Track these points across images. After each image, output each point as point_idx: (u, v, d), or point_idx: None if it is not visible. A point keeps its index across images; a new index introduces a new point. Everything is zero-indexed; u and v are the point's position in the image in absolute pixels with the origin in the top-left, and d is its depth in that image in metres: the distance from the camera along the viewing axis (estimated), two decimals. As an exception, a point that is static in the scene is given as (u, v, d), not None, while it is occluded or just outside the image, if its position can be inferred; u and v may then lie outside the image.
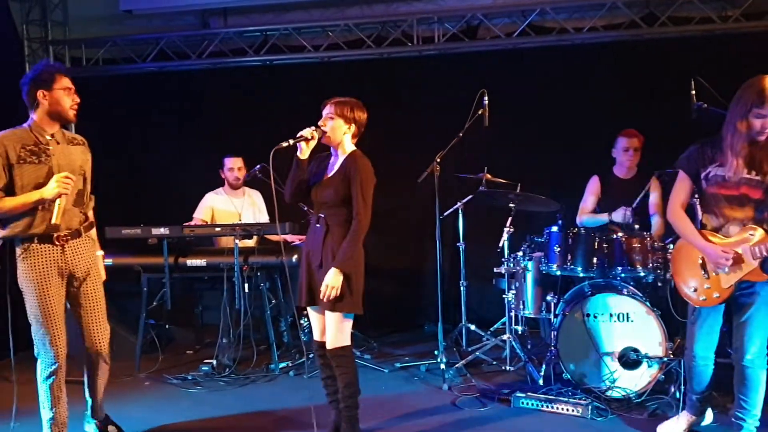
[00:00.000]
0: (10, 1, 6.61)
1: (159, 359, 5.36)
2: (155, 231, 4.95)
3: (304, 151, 3.48)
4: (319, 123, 3.51)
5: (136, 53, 6.90)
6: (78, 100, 3.47)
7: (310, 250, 3.56)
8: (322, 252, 3.48)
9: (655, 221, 4.78)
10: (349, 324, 3.51)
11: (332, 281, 3.36)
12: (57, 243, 3.40)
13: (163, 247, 5.03)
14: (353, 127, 3.55)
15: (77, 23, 7.05)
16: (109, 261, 5.16)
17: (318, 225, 3.53)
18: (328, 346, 3.51)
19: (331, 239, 3.47)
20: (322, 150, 3.62)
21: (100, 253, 3.78)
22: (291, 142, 3.42)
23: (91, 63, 6.96)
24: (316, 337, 3.66)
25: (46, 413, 3.49)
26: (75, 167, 3.46)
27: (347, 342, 3.51)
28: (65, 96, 3.40)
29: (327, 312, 3.48)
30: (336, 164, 3.56)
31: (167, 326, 5.85)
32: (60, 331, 3.43)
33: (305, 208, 5.48)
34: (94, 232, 3.69)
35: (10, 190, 3.31)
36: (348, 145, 3.57)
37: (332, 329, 3.48)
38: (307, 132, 3.44)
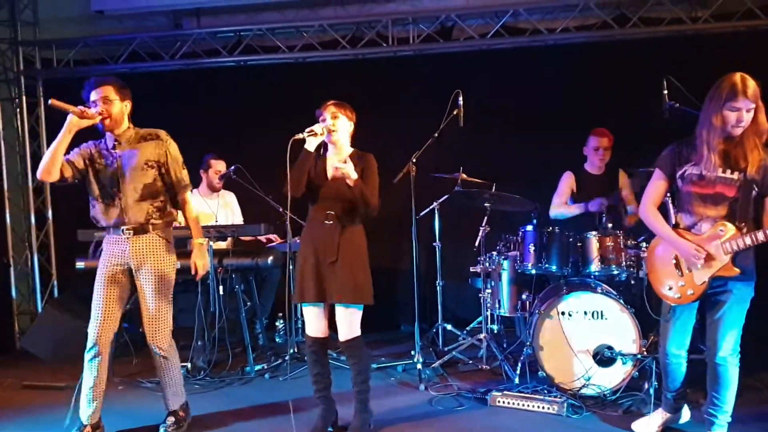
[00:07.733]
0: (-23, 2, 6.52)
1: (133, 363, 5.31)
2: (128, 233, 4.86)
3: (311, 143, 3.55)
4: (327, 123, 3.60)
5: (108, 54, 6.82)
6: (99, 110, 3.64)
7: (318, 247, 3.60)
8: (339, 248, 3.57)
9: (631, 210, 4.94)
10: (360, 315, 3.65)
11: (349, 173, 3.49)
12: (123, 234, 3.68)
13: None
14: (352, 127, 3.72)
15: (48, 24, 6.95)
16: (81, 264, 5.13)
17: (328, 222, 3.60)
18: (343, 338, 3.62)
19: (350, 235, 3.62)
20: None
21: (201, 240, 4.00)
22: (304, 135, 3.50)
23: (62, 64, 6.87)
24: (313, 333, 3.70)
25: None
26: (139, 164, 3.70)
27: (359, 332, 3.64)
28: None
29: (340, 305, 3.59)
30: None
31: (141, 329, 5.76)
32: (101, 316, 3.68)
33: (280, 209, 5.46)
34: (169, 230, 3.87)
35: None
36: (348, 144, 3.70)
37: (347, 321, 3.61)
38: (317, 128, 3.55)
